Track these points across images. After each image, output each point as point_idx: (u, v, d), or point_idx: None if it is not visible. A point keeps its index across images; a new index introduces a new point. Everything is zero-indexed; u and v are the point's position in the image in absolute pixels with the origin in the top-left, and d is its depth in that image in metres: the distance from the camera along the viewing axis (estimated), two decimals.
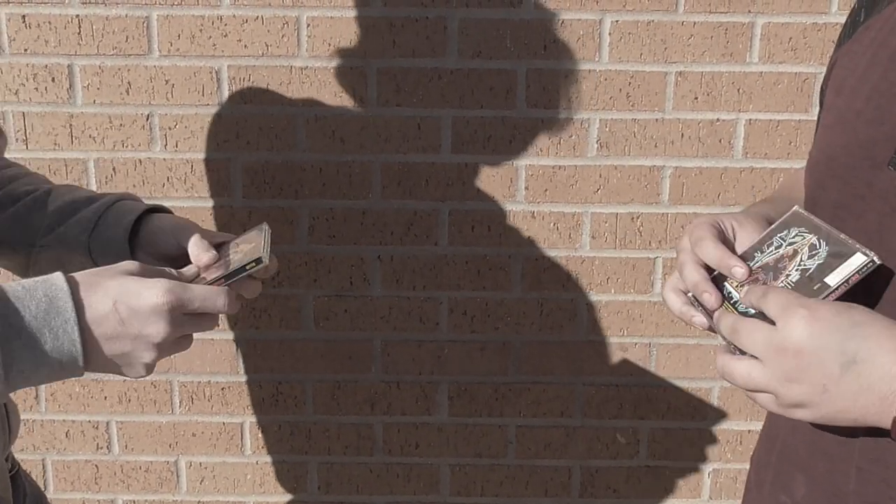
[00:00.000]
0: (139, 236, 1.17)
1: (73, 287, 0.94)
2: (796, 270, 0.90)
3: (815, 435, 0.90)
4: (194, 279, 1.07)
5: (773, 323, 0.83)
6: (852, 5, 1.02)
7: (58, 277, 0.94)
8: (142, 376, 0.99)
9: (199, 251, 1.10)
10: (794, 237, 0.93)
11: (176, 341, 0.99)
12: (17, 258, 1.20)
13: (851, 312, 0.80)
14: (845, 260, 0.86)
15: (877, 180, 0.87)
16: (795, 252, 0.92)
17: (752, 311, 0.87)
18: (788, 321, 0.81)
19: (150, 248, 1.16)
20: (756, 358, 0.83)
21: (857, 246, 0.86)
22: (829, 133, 0.95)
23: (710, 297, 0.94)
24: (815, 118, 1.10)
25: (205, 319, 1.02)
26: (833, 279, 0.86)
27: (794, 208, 0.96)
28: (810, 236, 0.91)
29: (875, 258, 0.84)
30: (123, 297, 0.94)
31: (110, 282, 0.95)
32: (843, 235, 0.88)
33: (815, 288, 0.86)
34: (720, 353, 0.87)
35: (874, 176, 0.87)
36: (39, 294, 0.92)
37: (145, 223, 1.18)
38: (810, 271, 0.88)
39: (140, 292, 0.95)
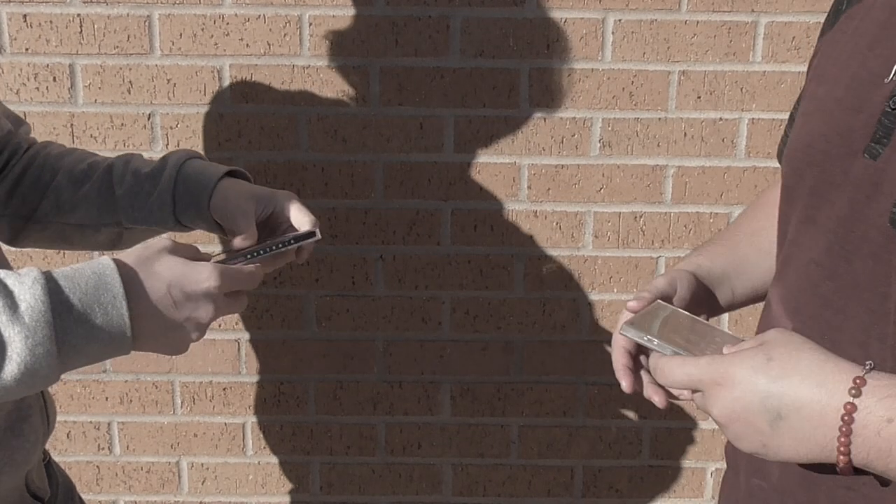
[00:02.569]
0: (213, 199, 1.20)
1: (123, 269, 0.97)
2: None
3: None
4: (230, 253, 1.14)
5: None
6: None
7: (104, 258, 0.97)
8: (183, 352, 1.04)
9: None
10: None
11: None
12: (105, 233, 1.24)
13: (769, 365, 0.79)
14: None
15: (852, 168, 0.87)
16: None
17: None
18: (708, 395, 0.82)
19: (223, 213, 1.19)
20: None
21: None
22: (809, 121, 0.96)
23: (625, 383, 0.98)
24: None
25: (239, 300, 1.07)
26: None
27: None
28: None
29: None
30: (177, 282, 0.98)
31: (160, 265, 0.98)
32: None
33: None
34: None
35: (850, 164, 0.87)
36: (87, 272, 0.95)
37: (219, 188, 1.20)
38: None
39: (193, 277, 0.99)
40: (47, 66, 1.84)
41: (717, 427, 2.03)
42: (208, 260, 1.05)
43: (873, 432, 0.73)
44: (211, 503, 2.10)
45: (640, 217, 1.92)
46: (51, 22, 1.82)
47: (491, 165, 1.90)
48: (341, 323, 1.98)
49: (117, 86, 1.85)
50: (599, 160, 1.90)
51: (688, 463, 2.06)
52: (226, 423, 2.05)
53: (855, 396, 0.74)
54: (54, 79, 1.85)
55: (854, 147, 0.87)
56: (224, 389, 2.03)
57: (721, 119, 1.87)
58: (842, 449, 0.74)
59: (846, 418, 0.74)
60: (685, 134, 1.88)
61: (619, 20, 1.82)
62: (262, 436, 2.06)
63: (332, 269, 1.95)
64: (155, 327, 0.98)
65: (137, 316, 0.96)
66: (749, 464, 1.00)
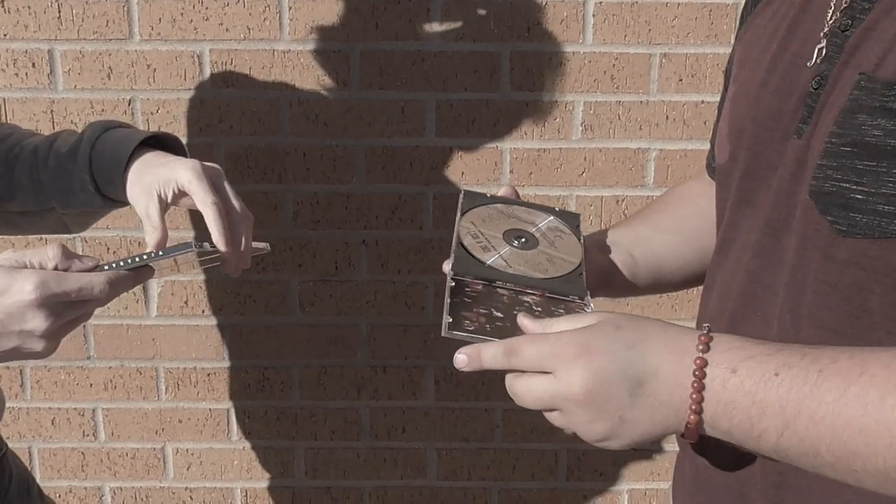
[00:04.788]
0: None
1: None
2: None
3: None
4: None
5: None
6: None
7: None
8: (43, 357, 0.97)
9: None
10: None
11: (69, 323, 0.97)
12: (51, 218, 1.19)
13: (621, 334, 0.79)
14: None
15: (784, 149, 0.90)
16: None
17: None
18: (566, 371, 0.79)
19: (134, 199, 1.12)
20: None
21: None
22: (736, 105, 0.98)
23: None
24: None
25: (89, 304, 0.98)
26: None
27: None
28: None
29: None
30: None
31: None
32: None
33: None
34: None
35: (782, 145, 0.90)
36: None
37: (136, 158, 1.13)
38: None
39: (9, 288, 0.92)
40: (26, 51, 1.83)
41: None
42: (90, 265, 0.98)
43: (720, 385, 0.74)
44: (196, 489, 2.10)
45: (623, 200, 1.92)
46: (29, 7, 1.81)
47: (473, 149, 1.90)
48: (325, 308, 1.98)
49: (97, 71, 1.85)
50: (581, 143, 1.89)
51: (672, 447, 2.07)
52: (210, 409, 2.05)
53: (703, 352, 0.75)
54: (33, 65, 1.84)
55: (786, 129, 0.90)
56: (208, 375, 2.03)
57: (703, 102, 1.87)
58: (693, 407, 0.75)
59: (698, 373, 0.75)
60: (667, 117, 1.88)
61: (600, 2, 1.82)
62: (246, 421, 2.06)
63: (314, 255, 1.95)
64: None
65: None
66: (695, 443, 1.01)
